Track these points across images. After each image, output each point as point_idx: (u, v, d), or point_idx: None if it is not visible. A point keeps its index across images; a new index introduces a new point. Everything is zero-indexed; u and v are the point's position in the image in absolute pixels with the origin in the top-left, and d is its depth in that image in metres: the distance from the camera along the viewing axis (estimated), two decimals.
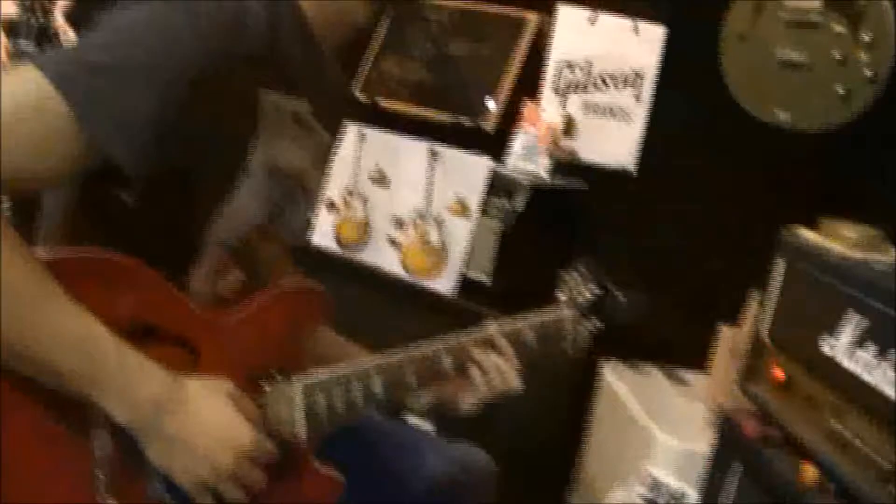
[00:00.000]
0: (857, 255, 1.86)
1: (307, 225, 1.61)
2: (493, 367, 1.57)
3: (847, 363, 1.73)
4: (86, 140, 1.19)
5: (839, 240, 1.92)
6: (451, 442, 1.81)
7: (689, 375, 3.03)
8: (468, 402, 1.60)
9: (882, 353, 1.65)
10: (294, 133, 1.46)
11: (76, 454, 1.25)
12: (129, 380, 1.22)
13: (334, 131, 1.63)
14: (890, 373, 1.61)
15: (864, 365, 1.69)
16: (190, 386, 1.28)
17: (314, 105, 1.50)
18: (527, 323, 1.64)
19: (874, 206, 2.38)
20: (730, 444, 2.08)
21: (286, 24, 1.39)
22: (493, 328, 1.60)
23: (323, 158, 1.60)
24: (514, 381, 1.60)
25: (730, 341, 2.62)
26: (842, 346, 1.75)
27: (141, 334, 1.26)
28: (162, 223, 1.35)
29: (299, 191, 1.52)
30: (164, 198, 1.32)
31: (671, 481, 2.53)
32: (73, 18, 2.77)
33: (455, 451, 1.77)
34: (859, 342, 1.71)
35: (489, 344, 1.58)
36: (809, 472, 1.77)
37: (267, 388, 1.40)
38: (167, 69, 1.23)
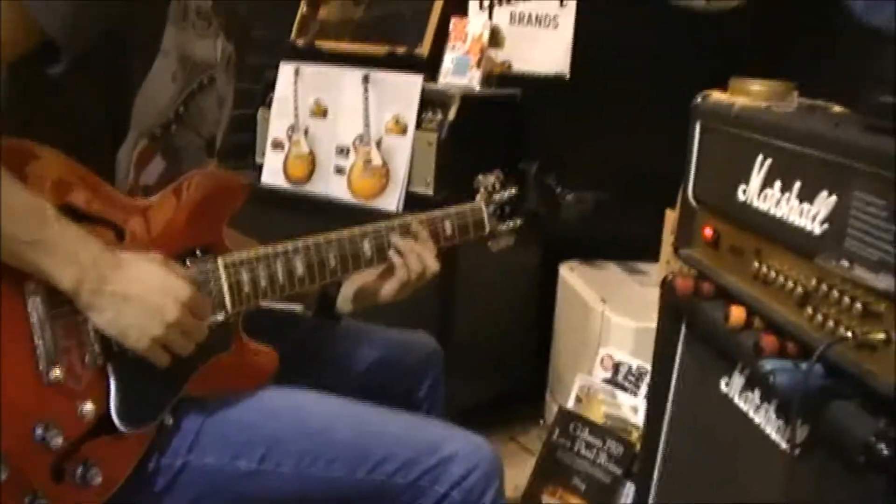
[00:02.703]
0: (762, 104, 1.91)
1: (217, 120, 1.68)
2: (410, 249, 1.69)
3: (759, 204, 1.79)
4: (20, 18, 1.29)
5: (747, 94, 1.98)
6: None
7: (646, 266, 3.11)
8: (389, 287, 1.71)
9: (787, 187, 1.71)
10: (199, 26, 1.56)
11: (14, 326, 1.32)
12: (72, 244, 1.31)
13: (236, 39, 1.71)
14: (794, 202, 1.68)
15: (773, 202, 1.75)
16: (124, 255, 1.38)
17: (215, 7, 1.61)
18: (443, 213, 1.79)
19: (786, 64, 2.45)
20: (670, 308, 2.15)
21: None
22: (409, 217, 1.73)
23: (229, 60, 1.67)
24: (432, 264, 1.73)
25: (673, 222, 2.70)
26: (753, 190, 1.81)
27: (67, 216, 1.34)
28: (90, 104, 1.45)
29: (207, 81, 1.61)
30: (90, 77, 1.41)
31: (629, 360, 2.62)
32: None
33: (394, 333, 1.86)
34: (767, 181, 1.77)
35: (406, 230, 1.71)
36: (737, 313, 1.83)
37: (190, 265, 1.48)
38: None
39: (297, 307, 1.90)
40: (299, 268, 1.57)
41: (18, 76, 1.42)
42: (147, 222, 1.46)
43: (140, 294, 1.35)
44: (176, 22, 1.49)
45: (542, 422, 3.21)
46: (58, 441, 1.32)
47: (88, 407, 1.36)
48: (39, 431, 1.31)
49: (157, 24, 1.47)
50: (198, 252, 1.49)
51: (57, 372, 1.33)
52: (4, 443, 1.29)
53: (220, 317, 1.49)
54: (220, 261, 1.50)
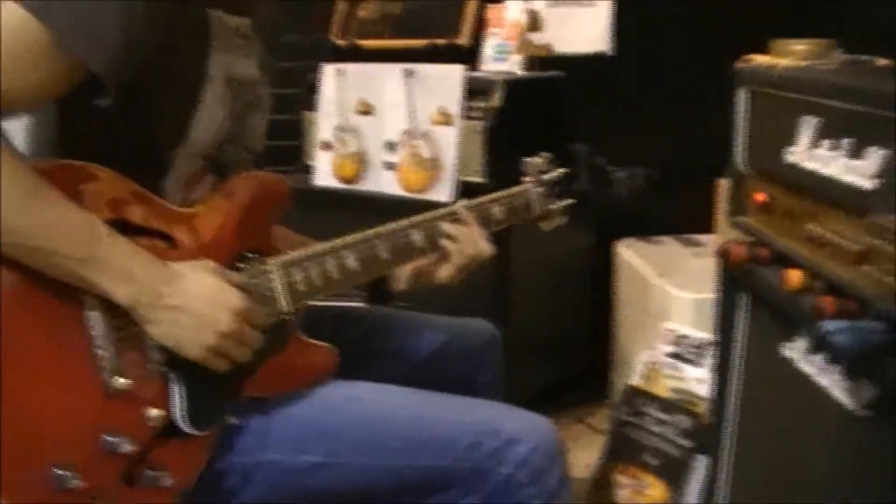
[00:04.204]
0: (805, 63, 1.90)
1: (264, 135, 1.72)
2: (462, 234, 1.72)
3: (808, 164, 1.78)
4: (65, 58, 1.32)
5: (789, 55, 1.97)
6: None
7: (702, 237, 3.10)
8: (444, 272, 1.73)
9: (835, 145, 1.69)
10: (241, 46, 1.60)
11: (76, 340, 1.35)
12: (124, 258, 1.35)
13: (270, 44, 1.74)
14: (843, 160, 1.66)
15: (822, 161, 1.73)
16: (176, 265, 1.41)
17: (252, 20, 1.63)
18: (491, 197, 1.82)
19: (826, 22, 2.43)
20: (728, 276, 2.14)
21: None
22: (456, 204, 1.76)
23: (267, 70, 1.70)
24: (485, 247, 1.76)
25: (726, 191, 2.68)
26: (801, 151, 1.80)
27: (120, 231, 1.38)
28: (136, 135, 1.47)
29: (254, 98, 1.64)
30: (138, 107, 1.44)
31: (691, 332, 2.61)
32: None
33: (452, 322, 1.87)
34: (815, 141, 1.76)
35: (454, 216, 1.74)
36: (794, 277, 1.82)
37: (242, 268, 1.51)
38: None
39: (357, 303, 1.93)
40: (352, 263, 1.60)
41: (65, 111, 1.46)
42: (197, 230, 1.49)
43: (194, 306, 1.38)
44: (219, 47, 1.52)
45: (608, 401, 3.21)
46: (126, 447, 1.35)
47: (154, 413, 1.39)
48: (108, 440, 1.34)
49: (200, 53, 1.50)
50: (249, 255, 1.51)
51: (120, 381, 1.36)
52: (75, 453, 1.32)
53: (275, 318, 1.51)
54: (271, 262, 1.53)
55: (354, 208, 3.06)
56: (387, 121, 3.07)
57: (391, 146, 3.06)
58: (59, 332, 1.34)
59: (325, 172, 3.21)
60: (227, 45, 1.55)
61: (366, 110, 3.12)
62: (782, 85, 1.89)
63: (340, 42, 3.55)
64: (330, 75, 3.19)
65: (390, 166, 3.06)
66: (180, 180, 1.53)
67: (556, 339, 3.21)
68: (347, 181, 3.17)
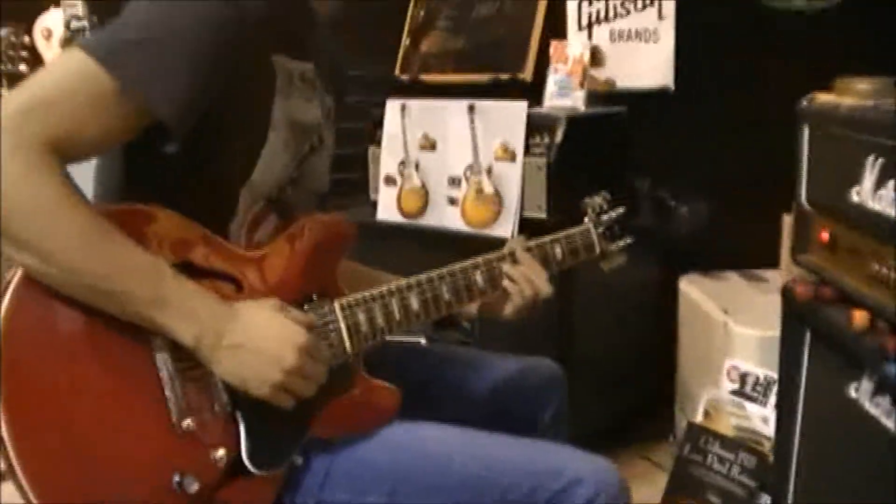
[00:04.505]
0: (868, 103, 1.89)
1: (327, 175, 1.76)
2: (521, 276, 1.74)
3: (873, 204, 1.77)
4: (130, 104, 1.36)
5: (852, 94, 1.97)
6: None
7: (767, 273, 3.08)
8: (508, 310, 1.76)
9: None
10: (304, 91, 1.62)
11: (145, 381, 1.39)
12: (189, 300, 1.38)
13: (336, 88, 1.79)
14: None
15: (887, 201, 1.73)
16: (240, 304, 1.44)
17: (316, 66, 1.66)
18: (552, 238, 1.84)
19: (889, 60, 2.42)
20: (792, 314, 2.13)
21: None
22: (517, 245, 1.79)
23: (329, 114, 1.73)
24: (545, 287, 1.77)
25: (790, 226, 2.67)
26: (866, 191, 1.80)
27: (186, 273, 1.41)
28: (201, 179, 1.51)
29: (317, 141, 1.67)
30: (203, 152, 1.48)
31: (756, 370, 2.59)
32: None
33: (516, 360, 1.89)
34: (880, 181, 1.75)
35: (513, 258, 1.76)
36: (859, 317, 1.81)
37: (307, 309, 1.53)
38: (189, 34, 1.40)
39: (419, 339, 1.95)
40: (415, 304, 1.61)
41: (132, 155, 1.51)
42: (263, 272, 1.51)
43: (258, 344, 1.41)
44: (282, 93, 1.55)
45: (672, 437, 3.19)
46: (194, 487, 1.37)
47: (221, 453, 1.41)
48: (177, 479, 1.36)
49: (265, 100, 1.53)
50: (314, 297, 1.54)
51: (189, 422, 1.39)
52: (146, 492, 1.36)
53: (341, 359, 1.53)
54: (336, 303, 1.55)
55: (418, 242, 3.09)
56: (450, 156, 3.10)
57: (454, 181, 3.08)
58: (129, 374, 1.38)
59: (388, 207, 3.24)
60: (290, 90, 1.58)
61: (429, 145, 3.15)
62: (845, 124, 1.89)
63: (404, 77, 3.59)
64: (394, 110, 3.23)
65: (453, 201, 3.08)
66: (245, 222, 1.56)
67: (620, 375, 3.20)
68: (411, 216, 3.20)
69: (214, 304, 1.40)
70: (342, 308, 1.54)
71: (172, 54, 1.38)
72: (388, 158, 3.25)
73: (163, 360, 1.39)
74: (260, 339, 1.41)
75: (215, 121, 1.45)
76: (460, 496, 1.51)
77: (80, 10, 3.54)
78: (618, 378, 3.19)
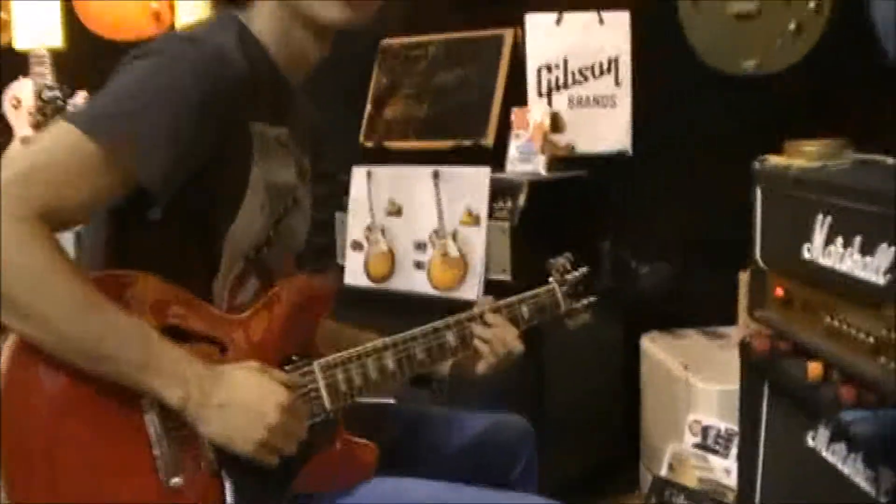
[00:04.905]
0: (817, 164, 1.99)
1: (304, 234, 1.84)
2: (493, 336, 1.81)
3: (824, 260, 1.86)
4: (116, 172, 1.43)
5: (802, 156, 2.06)
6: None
7: (726, 329, 3.16)
8: (480, 368, 1.82)
9: (848, 242, 1.78)
10: (280, 154, 1.69)
11: (134, 441, 1.43)
12: (175, 364, 1.42)
13: (311, 150, 1.86)
14: (857, 257, 1.74)
15: (837, 257, 1.82)
16: (224, 367, 1.49)
17: (291, 130, 1.73)
18: (519, 298, 1.90)
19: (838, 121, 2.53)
20: (751, 367, 2.21)
21: (259, 63, 1.61)
22: (486, 305, 1.85)
23: (305, 175, 1.80)
24: (515, 345, 1.83)
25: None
26: (817, 247, 1.89)
27: (171, 336, 1.46)
28: (185, 242, 1.57)
29: (292, 203, 1.74)
30: (185, 216, 1.53)
31: (717, 423, 2.66)
32: None
33: (485, 417, 1.95)
34: (830, 238, 1.84)
35: (482, 318, 1.82)
36: (814, 368, 1.89)
37: (288, 370, 1.59)
38: (171, 105, 1.46)
39: (389, 399, 2.00)
40: (390, 364, 1.67)
41: (114, 218, 1.57)
42: (246, 334, 1.57)
43: (242, 403, 1.45)
44: (259, 157, 1.61)
45: (637, 491, 3.25)
46: None
47: None
48: None
49: (243, 164, 1.59)
50: (294, 357, 1.60)
51: (177, 479, 1.43)
52: None
53: (320, 417, 1.59)
54: (315, 364, 1.61)
55: (386, 306, 3.15)
56: (416, 221, 3.17)
57: (420, 245, 3.15)
58: (120, 434, 1.42)
59: (355, 271, 3.30)
60: (267, 154, 1.64)
61: (395, 211, 3.22)
62: (797, 185, 1.98)
63: (368, 143, 3.67)
64: (360, 177, 3.30)
65: (420, 265, 3.15)
66: (226, 283, 1.62)
67: (587, 430, 3.25)
68: (378, 280, 3.26)
69: (199, 366, 1.45)
70: (321, 368, 1.60)
71: (155, 124, 1.44)
72: (354, 224, 3.32)
73: (151, 421, 1.43)
74: (244, 399, 1.46)
75: (196, 185, 1.51)
76: None
77: (49, 79, 3.61)
78: (585, 434, 3.24)
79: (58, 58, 3.73)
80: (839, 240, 1.81)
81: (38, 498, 1.36)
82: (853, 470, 1.80)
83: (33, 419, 1.38)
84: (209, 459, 1.48)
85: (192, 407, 1.42)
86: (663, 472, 2.74)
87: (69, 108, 2.91)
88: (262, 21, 1.64)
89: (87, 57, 3.76)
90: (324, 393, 1.59)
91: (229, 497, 1.48)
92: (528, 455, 1.94)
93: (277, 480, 1.53)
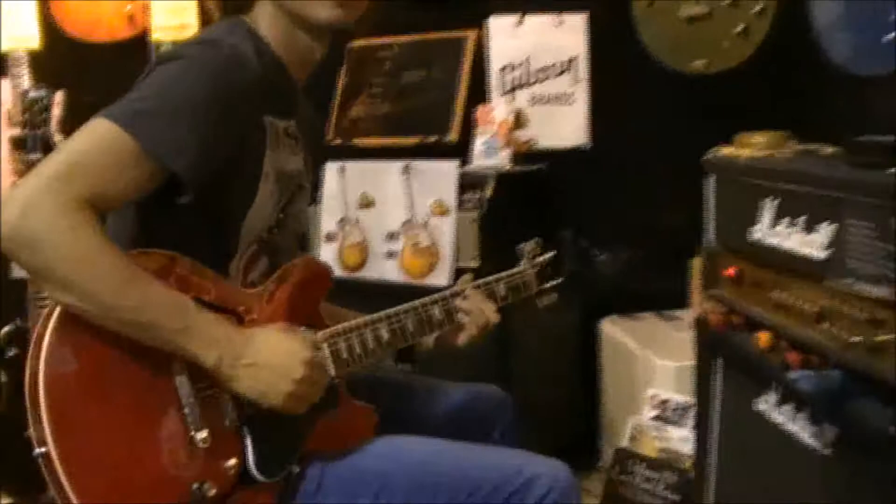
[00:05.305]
0: (764, 153, 2.17)
1: (308, 217, 2.04)
2: (475, 308, 2.00)
3: (770, 240, 2.03)
4: (150, 163, 1.58)
5: (750, 147, 2.24)
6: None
7: (680, 312, 3.35)
8: (461, 339, 2.01)
9: (792, 222, 1.95)
10: (288, 145, 1.87)
11: (166, 401, 1.60)
12: (210, 329, 1.60)
13: (312, 141, 2.03)
14: (800, 235, 1.92)
15: (783, 237, 1.99)
16: (252, 329, 1.68)
17: (297, 123, 1.91)
18: (496, 278, 2.11)
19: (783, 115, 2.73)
20: (705, 342, 2.39)
21: (269, 63, 1.79)
22: (468, 283, 2.05)
23: (308, 164, 1.98)
24: (494, 317, 2.02)
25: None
26: (764, 228, 2.05)
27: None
28: (208, 226, 1.74)
29: (298, 189, 1.91)
30: (209, 202, 1.69)
31: (674, 396, 2.85)
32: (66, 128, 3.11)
33: (464, 387, 2.13)
34: (776, 220, 2.02)
35: (464, 294, 2.02)
36: (764, 338, 2.06)
37: None
38: (198, 103, 1.63)
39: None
40: (385, 334, 1.85)
41: (143, 207, 1.73)
42: (259, 308, 1.74)
43: (270, 361, 1.63)
44: (271, 147, 1.79)
45: (600, 465, 3.41)
46: (212, 492, 1.58)
47: (231, 462, 1.63)
48: (196, 485, 1.57)
49: (258, 154, 1.77)
50: (302, 328, 1.77)
51: (204, 434, 1.60)
52: (171, 497, 1.56)
53: (327, 382, 1.76)
54: (320, 334, 1.78)
55: (360, 295, 3.29)
56: (387, 213, 3.36)
57: (392, 236, 3.34)
58: (153, 395, 1.59)
59: (329, 262, 3.42)
60: (278, 144, 1.82)
61: (368, 203, 3.39)
62: (746, 173, 2.16)
63: (336, 141, 3.81)
64: (332, 172, 3.47)
65: (392, 255, 3.33)
66: (241, 263, 1.79)
67: (550, 412, 3.40)
68: (352, 270, 3.43)
69: (231, 330, 1.63)
70: (326, 338, 1.78)
71: (185, 120, 1.61)
72: (327, 217, 3.48)
73: (181, 382, 1.60)
74: (272, 357, 1.63)
75: (220, 173, 1.68)
76: (438, 493, 1.73)
77: (26, 80, 3.70)
78: (549, 414, 3.39)
79: (34, 59, 3.82)
80: (784, 221, 1.97)
81: (81, 453, 1.51)
82: (799, 427, 1.96)
83: (74, 379, 1.54)
84: (232, 417, 1.64)
85: (226, 367, 1.59)
86: (625, 443, 2.92)
87: (54, 107, 3.01)
88: (266, 24, 1.82)
89: (63, 58, 3.87)
90: (329, 360, 1.76)
91: (250, 451, 1.65)
92: (506, 420, 2.11)
93: (291, 437, 1.71)
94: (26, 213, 1.47)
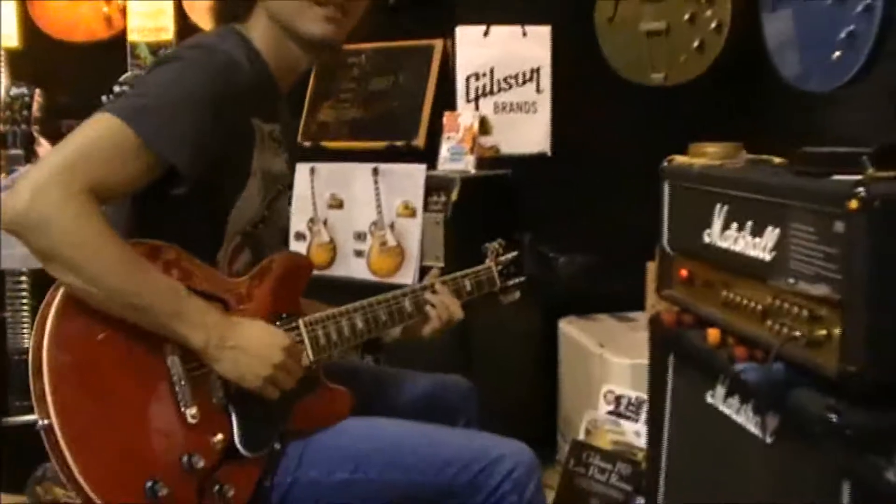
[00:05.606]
0: (716, 162, 2.30)
1: (289, 214, 2.20)
2: (440, 303, 2.13)
3: (720, 243, 2.14)
4: (151, 155, 1.70)
5: (704, 156, 2.36)
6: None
7: (636, 314, 3.48)
8: (426, 331, 2.15)
9: (741, 227, 2.07)
10: (272, 147, 1.99)
11: (159, 379, 1.73)
12: (199, 313, 1.72)
13: (291, 145, 2.16)
14: (748, 238, 2.04)
15: (732, 240, 2.11)
16: (237, 317, 1.80)
17: (280, 126, 2.03)
18: (462, 274, 2.25)
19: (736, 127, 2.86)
20: (659, 340, 2.50)
21: (259, 69, 1.91)
22: (436, 279, 2.18)
23: (292, 165, 2.12)
24: (458, 311, 2.17)
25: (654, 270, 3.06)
26: (715, 233, 2.17)
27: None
28: (199, 218, 1.86)
29: (281, 187, 2.04)
30: (201, 195, 1.81)
31: (628, 392, 2.98)
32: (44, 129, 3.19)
33: (434, 376, 2.25)
34: (726, 225, 2.14)
35: (432, 288, 2.15)
36: (713, 335, 2.18)
37: (279, 325, 1.88)
38: (194, 102, 1.75)
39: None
40: (359, 323, 1.99)
41: (138, 200, 1.83)
42: (244, 296, 1.87)
43: (252, 345, 1.76)
44: (258, 148, 1.91)
45: (558, 458, 3.53)
46: (200, 465, 1.70)
47: (219, 437, 1.75)
48: (185, 459, 1.69)
49: (248, 152, 1.89)
50: (284, 315, 1.89)
51: (193, 411, 1.72)
52: (162, 468, 1.68)
53: (305, 363, 1.88)
54: (300, 321, 1.91)
55: (328, 292, 3.39)
56: (356, 213, 3.47)
57: (360, 236, 3.46)
58: (147, 374, 1.72)
59: None
60: (264, 145, 1.93)
61: (337, 204, 3.51)
62: (699, 180, 2.27)
63: (306, 143, 3.91)
64: (303, 173, 3.57)
65: (359, 254, 3.45)
66: (227, 255, 1.91)
67: (511, 407, 3.49)
68: (320, 268, 3.52)
69: (218, 316, 1.76)
70: (305, 325, 1.90)
71: (182, 117, 1.73)
72: (297, 216, 3.58)
73: (173, 362, 1.72)
74: (254, 342, 1.76)
75: (213, 167, 1.79)
76: (410, 471, 1.86)
77: (3, 79, 3.76)
78: (506, 414, 3.48)
79: (12, 57, 3.90)
80: (734, 225, 2.08)
81: (82, 425, 1.63)
82: (745, 418, 2.06)
83: (75, 358, 1.66)
84: (219, 395, 1.77)
85: (211, 349, 1.72)
86: (581, 436, 3.05)
87: (35, 104, 3.09)
88: (259, 34, 1.93)
89: (41, 57, 3.96)
90: (308, 345, 1.89)
91: (235, 427, 1.77)
92: (471, 409, 2.24)
93: (274, 416, 1.83)
94: (35, 198, 1.58)
